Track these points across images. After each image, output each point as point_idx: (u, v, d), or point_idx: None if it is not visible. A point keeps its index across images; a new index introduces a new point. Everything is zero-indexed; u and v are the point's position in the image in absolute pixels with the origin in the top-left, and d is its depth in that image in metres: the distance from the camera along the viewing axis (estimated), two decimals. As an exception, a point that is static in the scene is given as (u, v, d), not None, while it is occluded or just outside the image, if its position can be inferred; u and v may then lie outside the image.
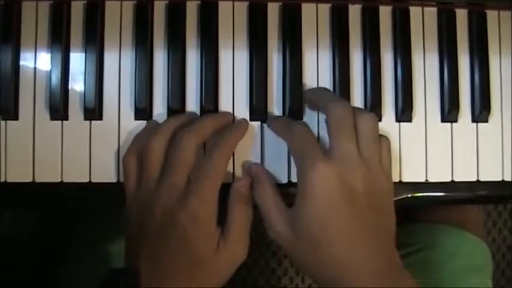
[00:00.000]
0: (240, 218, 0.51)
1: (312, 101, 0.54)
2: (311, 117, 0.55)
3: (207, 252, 0.49)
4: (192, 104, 0.54)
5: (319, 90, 0.54)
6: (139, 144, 0.51)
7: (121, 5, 0.55)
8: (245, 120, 0.54)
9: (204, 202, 0.48)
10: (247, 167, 0.53)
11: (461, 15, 0.57)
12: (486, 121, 0.56)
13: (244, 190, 0.51)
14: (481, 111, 0.55)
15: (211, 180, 0.49)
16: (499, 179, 0.56)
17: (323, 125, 0.54)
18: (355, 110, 0.50)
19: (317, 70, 0.55)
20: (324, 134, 0.53)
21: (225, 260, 0.50)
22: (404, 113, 0.55)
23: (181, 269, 0.48)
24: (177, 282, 0.48)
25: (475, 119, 0.56)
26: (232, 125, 0.54)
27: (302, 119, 0.55)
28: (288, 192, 0.52)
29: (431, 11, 0.56)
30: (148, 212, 0.49)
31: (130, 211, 0.51)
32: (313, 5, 0.55)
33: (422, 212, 0.73)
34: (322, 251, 0.46)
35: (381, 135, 0.52)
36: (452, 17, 0.56)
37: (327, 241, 0.46)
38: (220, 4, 0.55)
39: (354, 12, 0.56)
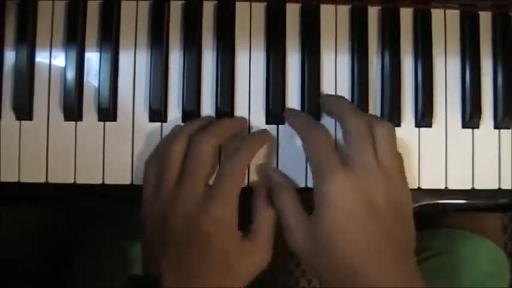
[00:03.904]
0: (267, 221, 0.50)
1: (328, 109, 0.53)
2: (329, 120, 0.54)
3: (232, 256, 0.48)
4: (208, 106, 0.54)
5: (336, 99, 0.53)
6: (160, 149, 0.51)
7: (137, 5, 0.54)
8: (268, 131, 0.53)
9: (226, 207, 0.48)
10: (267, 173, 0.52)
11: (485, 18, 0.55)
12: (509, 127, 0.55)
13: (268, 194, 0.51)
14: (504, 117, 0.54)
15: (232, 184, 0.49)
16: (522, 186, 0.55)
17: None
18: (373, 119, 0.49)
19: (335, 72, 0.54)
20: (341, 136, 0.52)
21: (250, 263, 0.49)
22: (424, 118, 0.54)
23: (206, 273, 0.48)
24: (202, 286, 0.47)
25: (497, 125, 0.55)
26: (256, 132, 0.53)
27: (319, 121, 0.54)
28: (304, 197, 0.51)
29: (454, 13, 0.55)
30: (168, 217, 0.48)
31: (147, 215, 0.51)
32: (332, 7, 0.54)
33: (441, 217, 0.73)
34: (340, 263, 0.46)
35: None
36: (476, 20, 0.55)
37: (345, 253, 0.45)
38: (238, 4, 0.54)
39: (374, 14, 0.55)
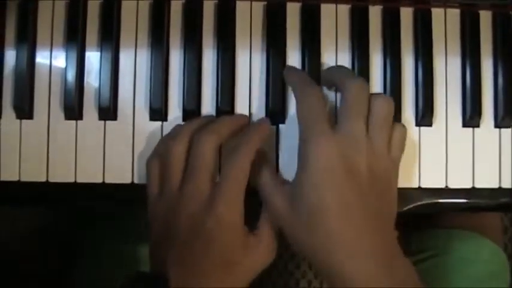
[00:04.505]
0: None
1: (329, 80, 0.53)
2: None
3: (236, 254, 0.48)
4: (208, 105, 0.54)
5: (338, 67, 0.53)
6: (162, 148, 0.51)
7: (137, 4, 0.54)
8: (267, 119, 0.53)
9: (230, 205, 0.48)
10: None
11: (485, 17, 0.55)
12: (509, 127, 0.55)
13: None
14: (504, 117, 0.54)
15: (235, 183, 0.48)
16: (522, 185, 0.54)
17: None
18: (372, 93, 0.49)
19: (336, 72, 0.54)
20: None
21: (255, 260, 0.50)
22: (424, 117, 0.54)
23: (211, 272, 0.48)
24: (209, 285, 0.47)
25: (497, 125, 0.55)
26: (254, 125, 0.53)
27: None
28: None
29: (454, 13, 0.55)
30: (173, 217, 0.48)
31: (153, 216, 0.51)
32: (332, 6, 0.54)
33: (441, 217, 0.73)
34: (317, 226, 0.45)
35: (398, 123, 0.51)
36: (476, 19, 0.55)
37: (322, 216, 0.45)
38: (238, 4, 0.54)
39: (374, 13, 0.55)
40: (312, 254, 0.47)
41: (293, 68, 0.54)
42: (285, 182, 0.51)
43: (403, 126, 0.51)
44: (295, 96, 0.51)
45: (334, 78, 0.52)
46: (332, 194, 0.45)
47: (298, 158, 0.47)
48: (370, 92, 0.52)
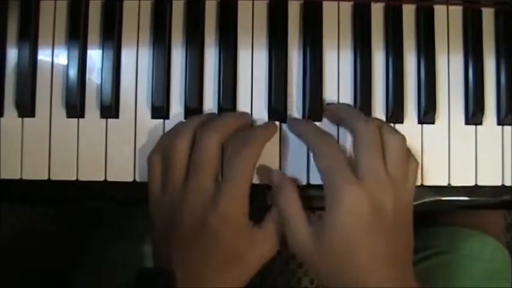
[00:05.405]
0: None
1: (336, 117, 0.53)
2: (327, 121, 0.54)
3: (242, 249, 0.49)
4: (210, 103, 0.54)
5: (345, 106, 0.53)
6: (165, 144, 0.51)
7: (139, 3, 0.54)
8: (274, 123, 0.53)
9: (235, 203, 0.48)
10: (269, 173, 0.52)
11: (488, 14, 0.55)
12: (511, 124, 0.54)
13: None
14: (507, 114, 0.54)
15: (241, 180, 0.49)
16: (525, 183, 0.54)
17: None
18: (385, 127, 0.50)
19: (338, 70, 0.54)
20: (343, 134, 0.53)
21: (259, 253, 0.50)
22: (427, 114, 0.54)
23: (214, 268, 0.48)
24: (214, 281, 0.48)
25: (500, 122, 0.54)
26: (261, 125, 0.53)
27: (321, 119, 0.54)
28: (306, 195, 0.52)
29: (457, 10, 0.55)
30: (177, 213, 0.48)
31: (155, 212, 0.51)
32: (334, 4, 0.54)
33: (442, 215, 0.73)
34: (346, 262, 0.46)
35: (411, 156, 0.51)
36: (478, 16, 0.55)
37: (352, 254, 0.46)
38: (240, 2, 0.54)
39: (377, 11, 0.55)
40: (334, 285, 0.47)
41: (299, 120, 0.54)
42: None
43: (416, 160, 0.51)
44: (311, 147, 0.51)
45: (343, 117, 0.52)
46: (362, 235, 0.46)
47: (326, 201, 0.47)
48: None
